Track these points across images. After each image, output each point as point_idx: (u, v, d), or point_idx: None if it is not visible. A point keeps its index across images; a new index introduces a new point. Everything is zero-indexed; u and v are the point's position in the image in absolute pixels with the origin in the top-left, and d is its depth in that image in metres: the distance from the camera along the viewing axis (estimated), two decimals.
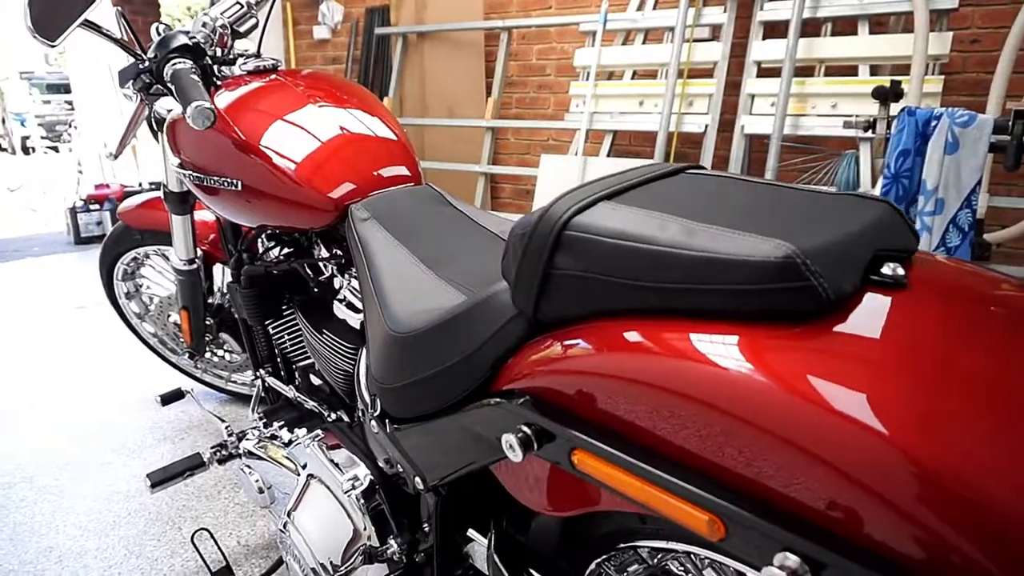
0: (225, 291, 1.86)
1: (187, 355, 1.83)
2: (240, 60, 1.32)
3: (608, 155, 3.37)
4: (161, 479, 1.37)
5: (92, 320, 3.06)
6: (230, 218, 1.25)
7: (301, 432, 1.19)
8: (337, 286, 1.21)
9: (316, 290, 1.28)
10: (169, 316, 2.00)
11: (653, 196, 0.66)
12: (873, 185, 2.61)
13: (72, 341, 2.83)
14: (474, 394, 0.73)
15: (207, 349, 1.97)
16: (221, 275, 1.84)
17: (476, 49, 4.03)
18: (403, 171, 1.16)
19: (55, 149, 12.59)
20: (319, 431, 1.11)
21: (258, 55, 1.42)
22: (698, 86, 3.10)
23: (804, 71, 2.90)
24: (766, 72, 3.03)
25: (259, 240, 1.41)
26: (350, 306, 1.15)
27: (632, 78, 3.35)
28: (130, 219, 1.85)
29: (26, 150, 13.08)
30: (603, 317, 0.61)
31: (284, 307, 1.39)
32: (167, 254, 1.95)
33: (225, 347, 1.99)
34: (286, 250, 1.35)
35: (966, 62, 2.90)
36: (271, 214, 1.15)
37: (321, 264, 1.26)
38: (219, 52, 1.30)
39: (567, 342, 0.63)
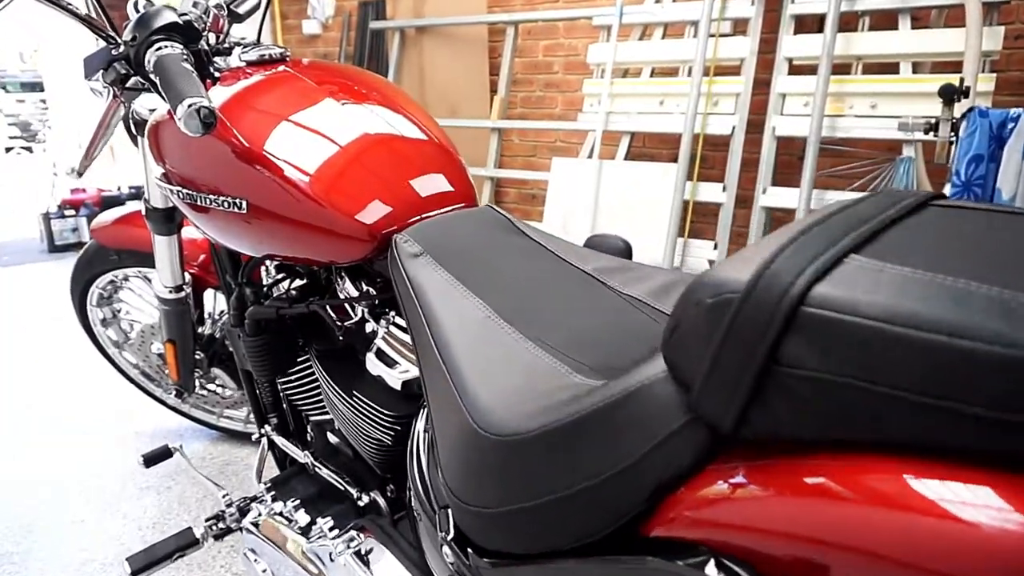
0: (218, 317, 1.61)
1: (173, 392, 1.58)
2: (238, 49, 1.08)
3: (625, 158, 3.15)
4: (144, 565, 1.12)
5: (67, 336, 2.79)
6: (230, 246, 1.01)
7: (325, 525, 0.95)
8: (369, 332, 0.97)
9: (341, 338, 1.04)
10: (152, 346, 1.75)
11: (915, 245, 0.43)
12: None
13: (44, 361, 2.56)
14: (617, 535, 0.50)
15: (197, 383, 1.71)
16: (213, 301, 1.59)
17: (479, 45, 3.79)
18: (453, 188, 0.93)
19: (29, 150, 12.16)
20: (353, 532, 0.87)
21: (258, 43, 1.18)
22: (724, 84, 2.88)
23: (838, 69, 2.69)
24: (797, 69, 2.82)
25: (263, 269, 1.16)
26: (388, 360, 0.91)
27: (651, 76, 3.12)
28: (105, 238, 1.59)
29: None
30: (862, 446, 0.38)
31: (298, 355, 1.15)
32: (150, 276, 1.70)
33: (217, 381, 1.74)
34: (299, 283, 1.10)
35: (1010, 59, 2.71)
36: (285, 244, 0.91)
37: (348, 305, 1.02)
38: (213, 39, 1.06)
39: (805, 480, 0.40)
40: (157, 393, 1.92)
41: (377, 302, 0.96)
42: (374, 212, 0.86)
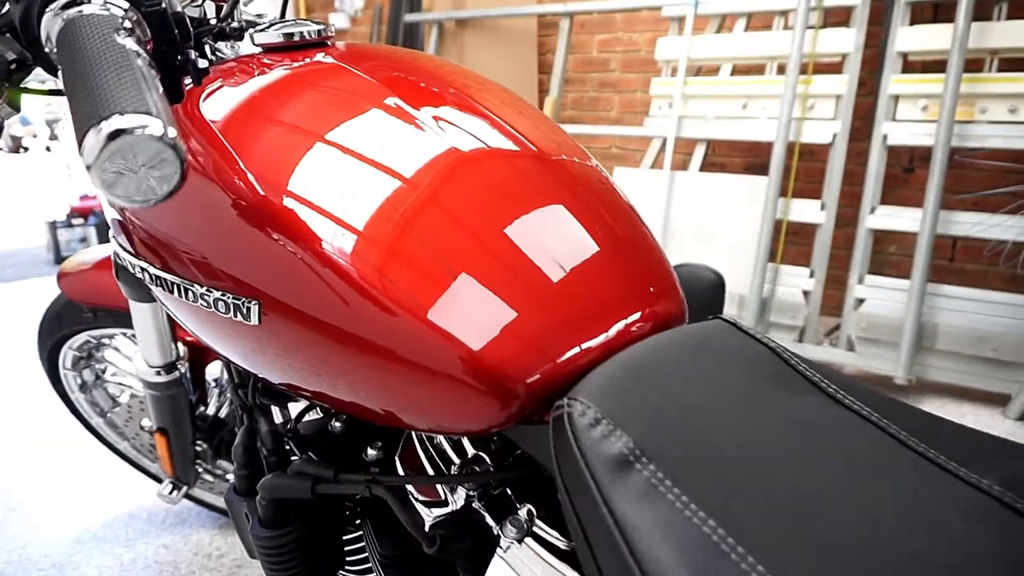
0: (222, 385, 1.23)
1: (169, 487, 1.20)
2: (253, 31, 0.68)
3: (700, 169, 2.73)
4: None
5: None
6: (234, 360, 0.61)
7: None
8: (483, 534, 0.57)
9: (429, 540, 0.59)
10: (143, 423, 1.36)
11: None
12: None
13: (38, 402, 2.19)
14: None
15: (200, 472, 1.32)
16: (220, 373, 1.20)
17: (528, 39, 3.39)
18: (652, 293, 0.53)
19: (48, 149, 11.95)
20: None
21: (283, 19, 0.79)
22: (823, 84, 2.45)
23: (966, 65, 2.25)
24: (909, 66, 2.39)
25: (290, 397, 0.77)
26: None
27: (731, 74, 2.70)
28: (74, 291, 1.20)
29: (17, 149, 12.43)
30: None
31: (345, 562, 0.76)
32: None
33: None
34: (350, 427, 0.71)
35: None
36: (335, 388, 0.51)
37: (446, 488, 0.61)
38: (211, 9, 0.67)
39: None
40: (153, 469, 1.54)
41: (501, 486, 0.56)
42: (520, 349, 0.46)
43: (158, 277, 0.59)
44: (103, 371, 1.45)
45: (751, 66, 2.71)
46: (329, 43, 0.67)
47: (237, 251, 0.52)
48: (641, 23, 3.19)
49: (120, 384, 1.44)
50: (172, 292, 0.58)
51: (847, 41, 2.41)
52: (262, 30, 0.64)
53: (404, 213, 0.50)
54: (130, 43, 0.39)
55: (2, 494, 1.71)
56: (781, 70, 2.58)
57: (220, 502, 1.54)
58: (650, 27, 3.16)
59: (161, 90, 0.36)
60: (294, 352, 0.52)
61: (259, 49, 0.66)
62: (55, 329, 1.31)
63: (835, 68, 2.47)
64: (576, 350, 0.47)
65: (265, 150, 0.53)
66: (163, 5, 0.44)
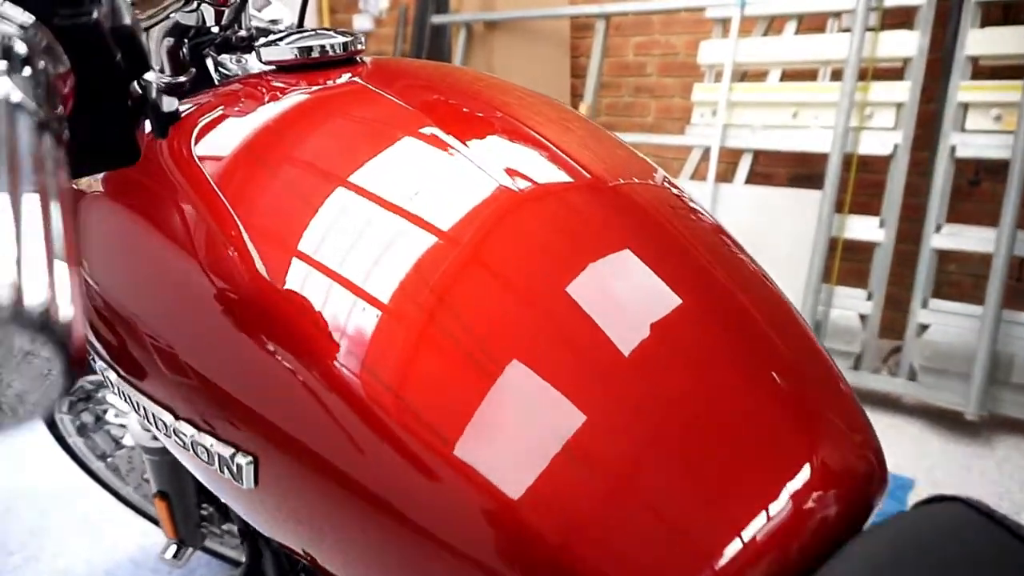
0: None
1: (173, 548, 1.06)
2: (261, 45, 0.53)
3: (746, 182, 2.56)
4: None
5: None
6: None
7: None
8: None
9: None
10: (145, 475, 1.23)
11: None
12: None
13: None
14: None
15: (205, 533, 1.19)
16: None
17: (560, 42, 3.23)
18: (831, 431, 0.38)
19: None
20: None
21: (301, 27, 0.65)
22: (883, 91, 2.27)
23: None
24: (979, 72, 2.21)
25: None
26: None
27: (780, 80, 2.53)
28: None
29: None
30: None
31: None
32: None
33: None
34: None
35: None
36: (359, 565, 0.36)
37: None
38: (212, 16, 0.53)
39: None
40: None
41: None
42: (634, 548, 0.31)
43: (119, 385, 0.45)
44: (103, 412, 1.32)
45: (802, 71, 2.53)
46: (358, 59, 0.52)
47: (225, 371, 0.37)
48: (680, 25, 3.02)
49: (123, 426, 1.31)
50: (138, 411, 0.44)
51: (910, 44, 2.22)
52: (272, 43, 0.50)
53: (493, 354, 0.34)
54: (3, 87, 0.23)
55: None
56: (835, 76, 2.40)
57: (232, 552, 1.41)
58: (689, 29, 2.99)
59: (62, 186, 0.21)
60: (287, 515, 0.37)
61: (270, 66, 0.51)
62: None
63: (896, 74, 2.29)
64: (741, 556, 0.31)
65: (268, 212, 0.39)
66: (93, 15, 0.25)
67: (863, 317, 2.27)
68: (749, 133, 2.51)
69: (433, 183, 0.40)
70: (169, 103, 0.28)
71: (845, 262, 2.38)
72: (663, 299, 0.39)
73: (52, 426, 1.31)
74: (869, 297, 2.26)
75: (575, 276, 0.38)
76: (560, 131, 0.48)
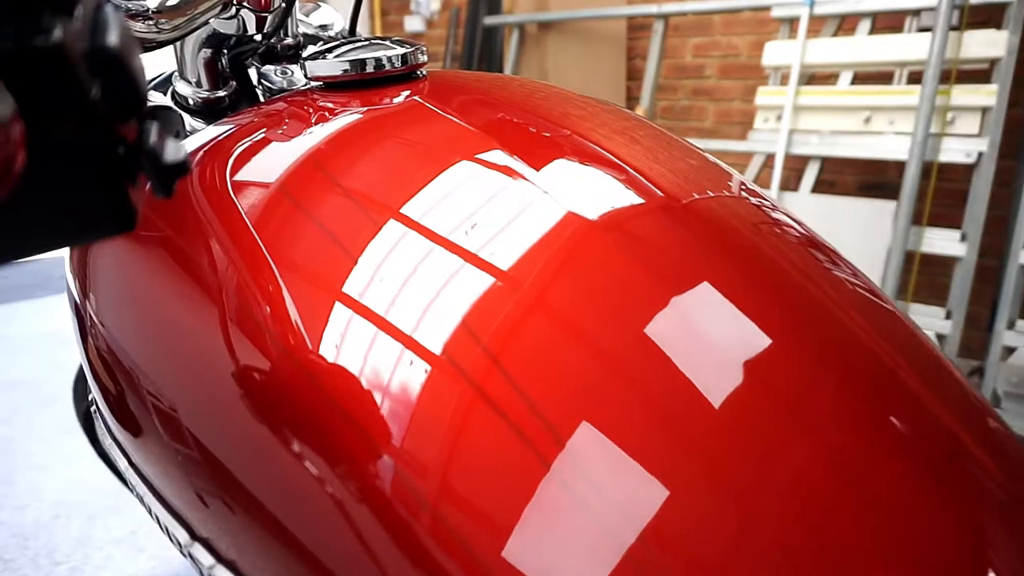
0: None
1: None
2: (306, 58, 0.46)
3: (812, 191, 2.42)
4: None
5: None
6: None
7: None
8: None
9: None
10: None
11: None
12: None
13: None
14: None
15: None
16: None
17: (616, 43, 3.14)
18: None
19: None
20: None
21: (353, 33, 0.59)
22: (967, 95, 2.11)
23: None
24: None
25: None
26: None
27: (852, 83, 2.38)
28: None
29: None
30: None
31: None
32: None
33: None
34: None
35: None
36: None
37: None
38: (253, 23, 0.46)
39: None
40: None
41: None
42: None
43: (127, 473, 0.39)
44: None
45: (876, 74, 2.39)
46: (420, 72, 0.45)
47: (240, 466, 0.31)
48: (742, 25, 2.90)
49: None
50: (149, 514, 0.37)
51: (998, 44, 2.06)
52: (320, 55, 0.43)
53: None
54: None
55: (46, 551, 1.59)
56: (913, 79, 2.25)
57: None
58: (752, 30, 2.86)
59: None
60: None
61: (317, 82, 0.45)
62: (87, 391, 1.14)
63: (981, 76, 2.13)
64: None
65: (311, 264, 0.32)
66: (55, 35, 0.17)
67: (941, 337, 2.11)
68: (817, 139, 2.38)
69: (499, 225, 0.32)
70: (175, 150, 0.20)
71: (921, 276, 2.23)
72: (769, 342, 0.30)
73: (95, 443, 1.28)
74: (948, 316, 2.11)
75: (655, 322, 0.30)
76: (637, 148, 0.40)
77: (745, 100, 2.88)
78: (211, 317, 0.33)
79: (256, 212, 0.35)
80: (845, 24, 2.44)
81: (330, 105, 0.41)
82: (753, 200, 0.40)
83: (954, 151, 2.12)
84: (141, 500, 0.40)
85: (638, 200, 0.35)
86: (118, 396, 0.38)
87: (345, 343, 0.30)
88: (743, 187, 0.41)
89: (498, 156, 0.35)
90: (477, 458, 0.27)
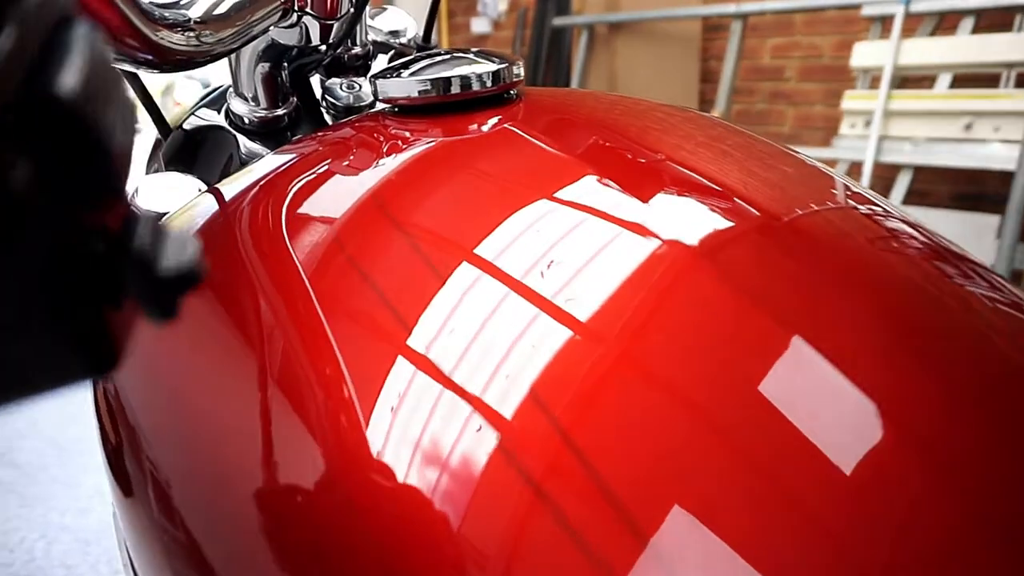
0: None
1: None
2: (382, 70, 0.39)
3: (903, 201, 2.25)
4: None
5: None
6: None
7: None
8: None
9: None
10: None
11: None
12: None
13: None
14: None
15: None
16: None
17: (689, 44, 3.01)
18: None
19: None
20: None
21: (427, 41, 0.51)
22: None
23: None
24: None
25: None
26: None
27: (951, 86, 2.21)
28: None
29: None
30: None
31: None
32: None
33: None
34: None
35: None
36: None
37: None
38: (312, 36, 0.39)
39: None
40: None
41: None
42: None
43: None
44: None
45: (978, 76, 2.20)
46: (513, 93, 0.37)
47: None
48: (825, 25, 2.73)
49: None
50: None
51: None
52: (392, 73, 0.35)
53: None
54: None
55: (107, 557, 1.58)
56: (1021, 81, 2.06)
57: None
58: (837, 29, 2.70)
59: None
60: None
61: (385, 105, 0.38)
62: None
63: None
64: None
65: (377, 341, 0.25)
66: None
67: None
68: (910, 147, 2.21)
69: (606, 285, 0.25)
70: (178, 250, 0.13)
71: None
72: (917, 398, 0.23)
73: None
74: None
75: (775, 381, 0.22)
76: (761, 175, 0.32)
77: (828, 104, 2.72)
78: (242, 394, 0.26)
79: (316, 270, 0.28)
80: (944, 22, 2.26)
81: (406, 134, 0.34)
82: (878, 212, 0.31)
83: None
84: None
85: (751, 235, 0.27)
86: (116, 447, 0.32)
87: (418, 463, 0.22)
88: (861, 197, 0.33)
89: (619, 211, 0.27)
90: None
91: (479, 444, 0.22)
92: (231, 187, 0.35)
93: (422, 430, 0.23)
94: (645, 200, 0.28)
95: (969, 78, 2.22)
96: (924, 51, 2.20)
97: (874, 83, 2.29)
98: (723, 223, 0.27)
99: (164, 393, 0.30)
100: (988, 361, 0.25)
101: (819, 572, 0.19)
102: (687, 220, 0.27)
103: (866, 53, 2.32)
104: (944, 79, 2.21)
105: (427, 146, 0.33)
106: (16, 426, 2.13)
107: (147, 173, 0.48)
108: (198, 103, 0.50)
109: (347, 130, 0.37)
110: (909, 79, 2.33)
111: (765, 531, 0.20)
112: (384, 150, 0.33)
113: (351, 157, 0.34)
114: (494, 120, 0.34)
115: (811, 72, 2.82)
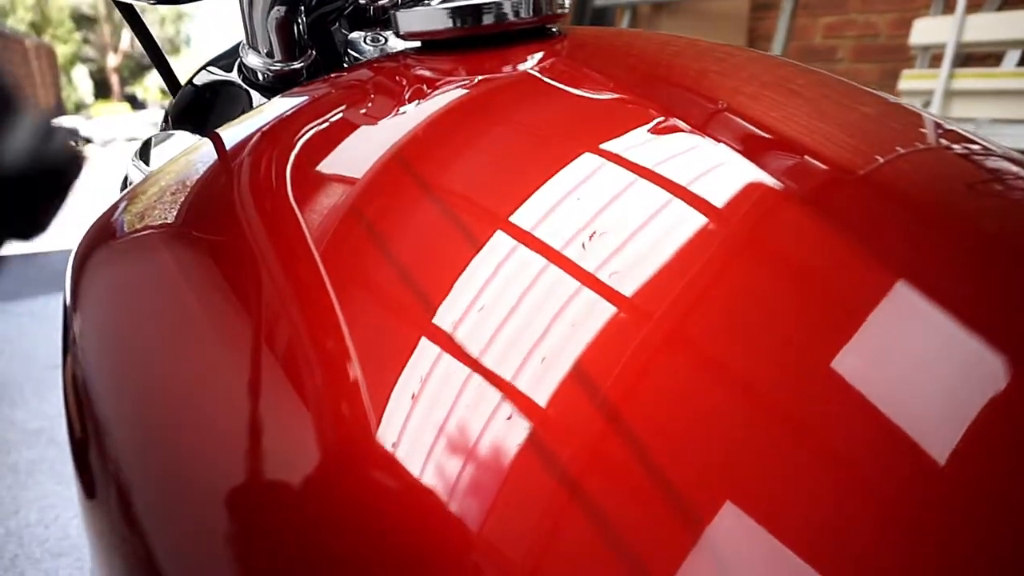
0: None
1: None
2: (395, 6, 0.34)
3: None
4: None
5: None
6: None
7: None
8: None
9: None
10: None
11: None
12: None
13: None
14: None
15: None
16: None
17: (736, 23, 2.90)
18: None
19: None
20: None
21: None
22: None
23: None
24: None
25: None
26: None
27: (1019, 64, 2.07)
28: None
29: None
30: None
31: None
32: None
33: None
34: None
35: None
36: None
37: None
38: None
39: None
40: None
41: None
42: None
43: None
44: None
45: None
46: (554, 28, 0.32)
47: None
48: (882, 2, 2.60)
49: None
50: None
51: None
52: (416, 3, 0.30)
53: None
54: None
55: None
56: None
57: None
58: (895, 7, 2.56)
59: None
60: None
61: (411, 44, 0.33)
62: None
63: None
64: None
65: (387, 314, 0.20)
66: None
67: None
68: (974, 128, 2.08)
69: (623, 231, 0.20)
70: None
71: None
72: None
73: None
74: None
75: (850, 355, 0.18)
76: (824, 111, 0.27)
77: (884, 85, 2.59)
78: (232, 378, 0.22)
79: (325, 233, 0.23)
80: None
81: (430, 74, 0.29)
82: (976, 151, 0.27)
83: None
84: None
85: (829, 188, 0.23)
86: (81, 441, 0.28)
87: (436, 456, 0.18)
88: (955, 135, 0.28)
89: (681, 164, 0.22)
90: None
91: (509, 434, 0.18)
92: (231, 133, 0.31)
93: (444, 419, 0.18)
94: (710, 152, 0.23)
95: None
96: (991, 26, 2.07)
97: (934, 62, 2.17)
98: (795, 177, 0.23)
99: (139, 378, 0.26)
100: None
101: None
102: (757, 174, 0.22)
103: (927, 29, 2.19)
104: (1012, 56, 2.07)
105: (457, 89, 0.28)
106: (61, 406, 2.16)
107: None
108: (210, 59, 0.46)
109: (365, 71, 0.32)
110: (973, 56, 2.20)
111: (834, 534, 0.16)
112: (407, 95, 0.29)
113: (369, 103, 0.29)
114: (536, 58, 0.29)
115: (866, 52, 2.69)
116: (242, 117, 0.33)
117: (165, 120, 0.48)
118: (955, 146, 0.27)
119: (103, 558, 0.26)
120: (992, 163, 0.27)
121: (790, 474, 0.16)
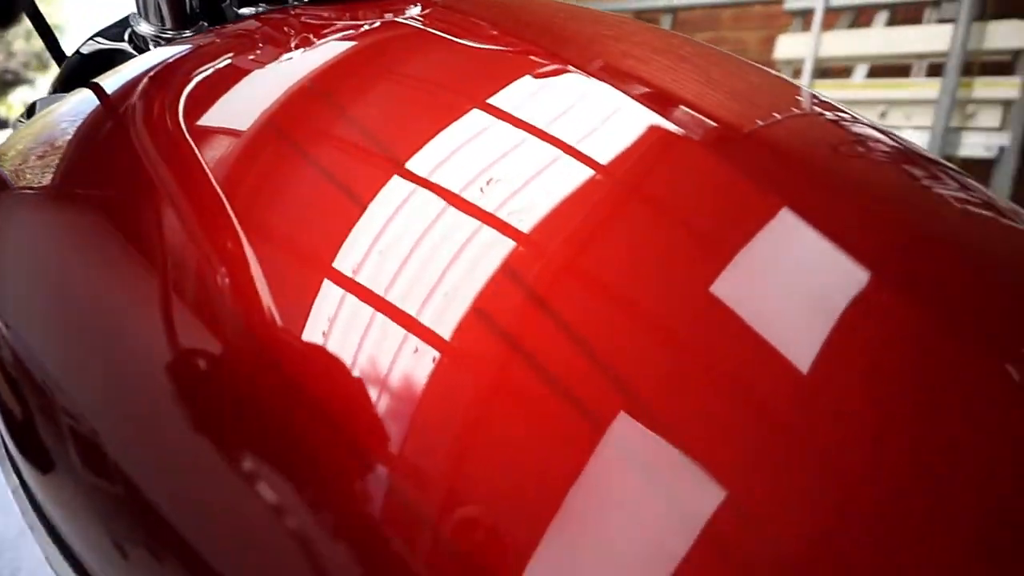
0: None
1: None
2: None
3: None
4: None
5: None
6: None
7: None
8: None
9: None
10: None
11: None
12: None
13: None
14: None
15: None
16: None
17: None
18: None
19: None
20: None
21: None
22: (988, 88, 2.03)
23: None
24: None
25: None
26: None
27: (867, 76, 2.30)
28: None
29: None
30: None
31: None
32: None
33: None
34: None
35: None
36: None
37: None
38: None
39: None
40: None
41: None
42: None
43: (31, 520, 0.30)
44: None
45: (892, 67, 2.31)
46: None
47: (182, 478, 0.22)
48: (752, 20, 2.82)
49: None
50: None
51: (1022, 35, 1.99)
52: None
53: None
54: None
55: (10, 570, 1.49)
56: (931, 71, 2.17)
57: None
58: (762, 24, 2.78)
59: None
60: None
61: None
62: None
63: (1003, 68, 2.06)
64: None
65: (286, 219, 0.23)
66: None
67: None
68: None
69: (515, 171, 0.23)
70: None
71: None
72: (872, 282, 0.21)
73: None
74: None
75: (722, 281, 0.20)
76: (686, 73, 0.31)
77: None
78: (150, 298, 0.24)
79: (216, 160, 0.26)
80: (861, 16, 2.36)
81: (316, 23, 0.32)
82: (844, 119, 0.30)
83: (974, 146, 2.04)
84: (46, 556, 0.31)
85: (708, 147, 0.25)
86: (24, 419, 0.29)
87: (333, 327, 0.21)
88: (826, 104, 0.31)
89: (507, 86, 0.26)
90: (517, 444, 0.18)
91: (449, 307, 0.20)
92: (112, 80, 0.33)
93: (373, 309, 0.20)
94: (606, 96, 0.26)
95: (883, 69, 2.32)
96: (842, 43, 2.30)
97: (796, 75, 2.38)
98: (677, 134, 0.25)
99: (68, 323, 0.27)
100: (979, 269, 0.23)
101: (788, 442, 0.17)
102: (651, 117, 0.24)
103: (789, 45, 2.40)
104: (861, 70, 2.30)
105: (344, 40, 0.31)
106: None
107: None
108: (98, 30, 0.48)
109: (251, 23, 0.35)
110: (829, 70, 2.43)
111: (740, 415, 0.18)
112: (293, 42, 0.32)
113: (258, 49, 0.32)
114: (415, 7, 0.32)
115: None
116: (121, 67, 0.35)
117: (52, 90, 0.48)
118: (828, 113, 0.30)
119: (80, 525, 0.26)
120: (857, 128, 0.29)
121: (694, 343, 0.19)
